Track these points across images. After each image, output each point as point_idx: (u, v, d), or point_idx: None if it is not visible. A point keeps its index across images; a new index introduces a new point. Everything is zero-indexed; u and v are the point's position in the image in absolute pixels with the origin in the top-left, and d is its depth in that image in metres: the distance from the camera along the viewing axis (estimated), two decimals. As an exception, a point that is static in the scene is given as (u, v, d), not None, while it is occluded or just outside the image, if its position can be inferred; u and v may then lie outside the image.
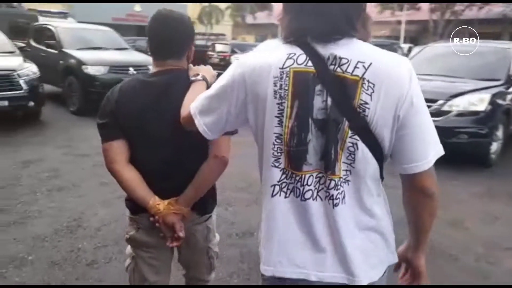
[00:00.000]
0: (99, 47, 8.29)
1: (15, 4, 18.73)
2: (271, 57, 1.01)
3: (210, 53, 16.04)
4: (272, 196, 1.05)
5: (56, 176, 4.38)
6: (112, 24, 26.61)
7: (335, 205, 1.00)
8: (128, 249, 1.69)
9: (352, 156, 0.98)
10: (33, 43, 8.90)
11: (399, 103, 0.95)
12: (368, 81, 0.94)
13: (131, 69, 7.66)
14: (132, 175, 1.47)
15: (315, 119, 0.98)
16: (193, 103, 1.15)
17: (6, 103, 6.09)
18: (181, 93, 1.34)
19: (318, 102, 0.97)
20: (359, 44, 1.00)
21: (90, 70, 7.34)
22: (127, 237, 1.63)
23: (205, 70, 1.56)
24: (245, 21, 36.70)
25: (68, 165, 4.77)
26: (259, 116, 1.04)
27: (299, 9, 1.00)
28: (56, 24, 8.50)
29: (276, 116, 1.00)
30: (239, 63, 1.06)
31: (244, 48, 15.98)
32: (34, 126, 6.68)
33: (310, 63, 0.97)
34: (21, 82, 6.30)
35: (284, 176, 1.04)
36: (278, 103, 0.99)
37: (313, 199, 1.02)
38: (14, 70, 6.26)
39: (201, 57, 16.28)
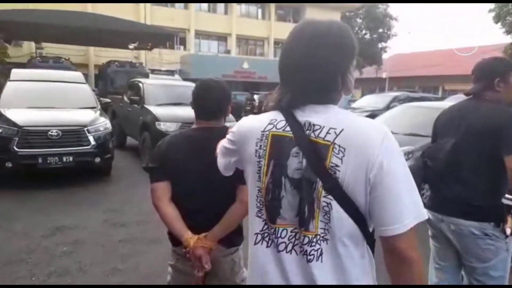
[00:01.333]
0: (179, 103, 7.98)
1: (137, 64, 20.83)
2: (257, 122, 1.15)
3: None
4: (255, 244, 1.13)
5: (71, 253, 3.71)
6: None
7: (308, 260, 1.04)
8: (169, 269, 1.93)
9: (328, 215, 1.02)
10: (125, 99, 9.11)
11: (368, 166, 0.97)
12: (339, 146, 1.00)
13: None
14: (171, 212, 1.74)
15: (291, 178, 1.06)
16: (219, 144, 1.37)
17: (71, 158, 5.90)
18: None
19: (294, 163, 1.05)
20: (335, 111, 1.06)
21: (163, 126, 6.98)
22: (170, 264, 1.93)
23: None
24: (351, 76, 35.58)
25: (95, 237, 4.12)
26: (247, 171, 1.18)
27: (284, 79, 1.11)
28: (144, 80, 8.56)
29: (257, 172, 1.12)
30: (236, 126, 1.22)
31: (342, 105, 14.89)
32: (99, 182, 6.42)
33: (288, 129, 1.07)
34: (90, 138, 6.12)
35: (266, 226, 1.11)
36: (257, 161, 1.11)
37: (287, 252, 1.07)
38: (84, 126, 6.13)
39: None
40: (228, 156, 1.27)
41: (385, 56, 39.76)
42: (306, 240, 1.04)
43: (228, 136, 1.26)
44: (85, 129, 6.12)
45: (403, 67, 36.52)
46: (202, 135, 1.75)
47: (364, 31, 40.56)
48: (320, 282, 1.03)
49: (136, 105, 8.17)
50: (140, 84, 8.45)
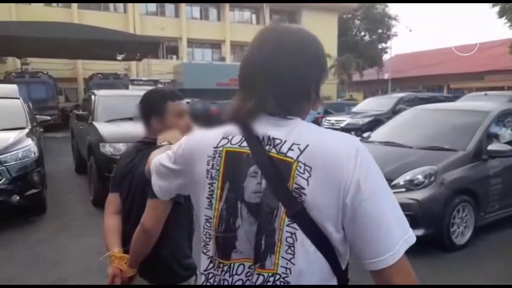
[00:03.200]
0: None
1: (122, 75, 19.35)
2: (209, 136, 0.95)
3: (301, 115, 13.60)
4: (202, 284, 0.95)
5: None
6: (216, 89, 26.76)
7: None
8: None
9: (292, 249, 0.82)
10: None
11: (343, 189, 0.79)
12: (304, 164, 0.81)
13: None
14: (110, 224, 1.59)
15: (248, 202, 0.86)
16: (154, 160, 1.11)
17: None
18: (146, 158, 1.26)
19: (251, 184, 0.86)
20: (298, 124, 0.88)
21: (108, 149, 5.36)
22: None
23: (171, 136, 1.40)
24: (351, 79, 34.00)
25: None
26: (195, 196, 0.98)
27: (244, 88, 0.93)
28: (98, 92, 6.97)
29: (207, 197, 0.92)
30: (184, 141, 1.01)
31: (340, 108, 13.21)
32: (22, 225, 4.79)
33: (245, 144, 0.89)
34: (1, 170, 4.54)
35: (211, 265, 0.92)
36: (209, 183, 0.91)
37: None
38: (-8, 154, 4.53)
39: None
40: (170, 178, 1.03)
41: (386, 57, 38.10)
42: (260, 279, 0.84)
43: (169, 152, 1.05)
44: (-6, 158, 4.53)
45: (405, 67, 34.85)
46: (135, 146, 1.63)
47: (363, 33, 39.00)
48: None
49: (85, 122, 6.58)
50: (92, 97, 6.87)
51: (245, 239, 0.87)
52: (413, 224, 3.87)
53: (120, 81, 17.00)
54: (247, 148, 0.88)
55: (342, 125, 10.74)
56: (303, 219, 0.81)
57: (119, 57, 21.16)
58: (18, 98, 6.05)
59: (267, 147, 0.86)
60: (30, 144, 5.04)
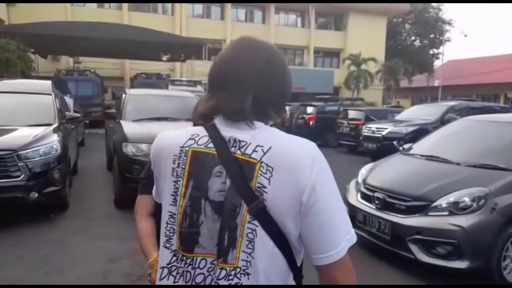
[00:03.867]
0: (167, 118, 6.18)
1: (164, 75, 19.60)
2: (177, 136, 0.99)
3: (340, 120, 12.94)
4: (160, 279, 0.97)
5: None
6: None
7: None
8: None
9: (252, 244, 0.87)
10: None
11: (300, 189, 0.85)
12: (267, 165, 0.87)
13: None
14: (144, 227, 1.50)
15: (211, 200, 0.91)
16: None
17: (-9, 194, 4.26)
18: None
19: (216, 183, 0.90)
20: (262, 129, 0.93)
21: (130, 149, 5.19)
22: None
23: None
24: (398, 85, 32.49)
25: None
26: (161, 193, 1.01)
27: (213, 91, 0.96)
28: (129, 91, 6.87)
29: (172, 195, 0.95)
30: (155, 142, 1.03)
31: (383, 115, 12.44)
32: (36, 223, 4.71)
33: (211, 145, 0.93)
34: (22, 166, 4.46)
35: (174, 258, 0.94)
36: (174, 181, 0.95)
37: (206, 285, 0.91)
38: (13, 151, 4.47)
39: (330, 126, 13.32)
40: (154, 177, 1.05)
41: (437, 63, 36.13)
42: (223, 273, 0.88)
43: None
44: (15, 154, 4.47)
45: (457, 74, 32.79)
46: None
47: (413, 37, 37.27)
48: None
49: (114, 121, 6.49)
50: (123, 95, 6.78)
51: (208, 235, 0.90)
52: (456, 255, 3.32)
53: (162, 81, 17.20)
54: (213, 149, 0.92)
55: (384, 133, 10.02)
56: (263, 216, 0.86)
57: (164, 58, 21.56)
58: (50, 94, 6.05)
59: (232, 149, 0.90)
60: (53, 141, 4.95)
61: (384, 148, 9.97)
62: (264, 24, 29.88)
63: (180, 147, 0.95)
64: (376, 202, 3.86)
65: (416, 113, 10.93)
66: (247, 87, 0.91)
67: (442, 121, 9.92)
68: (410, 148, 4.87)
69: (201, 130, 0.96)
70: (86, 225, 4.73)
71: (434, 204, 3.46)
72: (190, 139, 0.95)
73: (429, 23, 35.18)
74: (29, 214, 4.85)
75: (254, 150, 0.89)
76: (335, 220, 0.87)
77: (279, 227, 0.86)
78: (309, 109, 14.65)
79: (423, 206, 3.51)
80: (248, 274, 0.87)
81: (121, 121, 6.01)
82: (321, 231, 0.86)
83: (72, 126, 6.83)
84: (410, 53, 35.01)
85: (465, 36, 32.57)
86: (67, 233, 4.43)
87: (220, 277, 0.88)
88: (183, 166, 0.93)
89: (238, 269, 0.88)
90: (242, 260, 0.87)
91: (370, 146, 10.42)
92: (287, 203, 0.85)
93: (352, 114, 12.99)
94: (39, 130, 5.09)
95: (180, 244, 0.93)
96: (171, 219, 0.95)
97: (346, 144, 12.72)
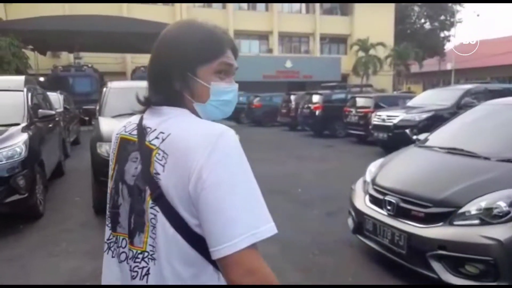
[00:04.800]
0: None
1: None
2: (119, 124, 1.04)
3: (348, 109, 12.16)
4: (104, 251, 1.02)
5: None
6: (263, 82, 25.78)
7: (132, 277, 0.90)
8: None
9: (155, 229, 0.86)
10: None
11: (188, 177, 0.81)
12: (163, 152, 0.86)
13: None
14: None
15: (128, 184, 0.94)
16: None
17: None
18: None
19: (131, 168, 0.93)
20: (175, 115, 0.91)
21: (105, 149, 4.56)
22: None
23: None
24: (409, 70, 31.36)
25: None
26: None
27: None
28: (111, 84, 6.21)
29: (109, 177, 1.01)
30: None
31: (393, 102, 11.62)
32: (7, 238, 4.15)
33: (134, 132, 0.96)
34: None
35: (111, 235, 1.00)
36: (110, 165, 1.01)
37: (127, 263, 0.93)
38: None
39: (337, 115, 12.56)
40: None
41: (448, 46, 34.79)
42: (131, 254, 0.91)
43: None
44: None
45: (470, 57, 31.42)
46: None
47: (423, 20, 35.91)
48: None
49: (94, 117, 5.87)
50: (104, 89, 6.14)
51: (124, 216, 0.94)
52: (491, 275, 2.63)
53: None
54: (136, 136, 0.94)
55: (395, 121, 9.23)
56: (162, 202, 0.85)
57: (165, 50, 20.88)
58: (22, 91, 5.44)
59: (146, 136, 0.91)
60: (17, 143, 4.35)
61: (396, 137, 9.21)
62: (268, 11, 28.96)
63: (116, 134, 1.01)
64: (388, 207, 3.17)
65: (430, 99, 10.09)
66: (148, 75, 0.96)
67: (459, 106, 9.12)
68: (426, 140, 4.14)
69: (136, 118, 0.99)
70: (53, 238, 4.13)
71: (461, 210, 2.77)
72: (123, 126, 1.00)
73: (440, 4, 33.78)
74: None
75: (156, 137, 0.89)
76: (228, 211, 0.79)
77: (179, 214, 0.84)
78: (315, 98, 13.87)
79: (446, 213, 2.82)
80: (154, 259, 0.87)
81: (99, 118, 5.39)
82: (211, 223, 0.80)
83: (50, 125, 6.21)
84: (420, 37, 33.74)
85: (478, 16, 31.06)
86: (28, 249, 3.84)
87: (130, 257, 0.91)
88: (114, 152, 1.00)
89: (146, 254, 0.88)
90: (150, 245, 0.88)
91: (380, 136, 9.64)
92: (178, 190, 0.83)
93: (360, 101, 12.18)
94: (2, 131, 4.49)
95: (109, 223, 1.00)
96: (109, 200, 1.00)
97: (355, 133, 11.94)
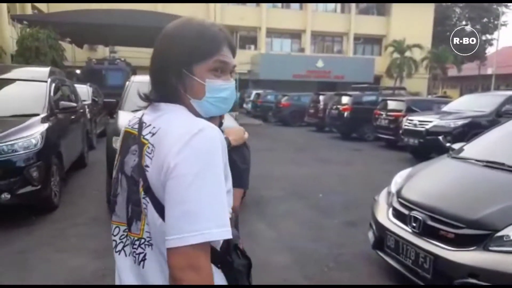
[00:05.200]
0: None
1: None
2: (128, 119, 1.08)
3: (379, 112, 11.63)
4: (111, 233, 1.04)
5: None
6: (293, 81, 25.37)
7: (135, 262, 0.94)
8: None
9: (147, 219, 0.91)
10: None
11: (162, 168, 0.85)
12: (152, 145, 0.90)
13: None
14: None
15: (126, 175, 0.97)
16: None
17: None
18: None
19: (130, 160, 0.96)
20: (169, 111, 0.94)
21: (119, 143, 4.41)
22: None
23: (233, 133, 1.75)
24: (446, 74, 30.02)
25: None
26: None
27: None
28: (134, 78, 6.09)
29: (114, 168, 1.04)
30: None
31: (427, 106, 11.00)
32: (19, 230, 4.11)
33: (136, 126, 0.99)
34: (-13, 164, 3.82)
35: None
36: (116, 157, 1.05)
37: (116, 251, 0.99)
38: (-21, 145, 3.84)
39: (367, 118, 12.06)
40: None
41: (490, 50, 33.04)
42: (129, 241, 0.96)
43: None
44: (-19, 150, 3.84)
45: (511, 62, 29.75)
46: None
47: (464, 22, 34.25)
48: (150, 282, 0.92)
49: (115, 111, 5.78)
50: (127, 83, 6.05)
51: (122, 205, 0.98)
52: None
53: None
54: (137, 130, 0.98)
55: (428, 126, 8.67)
56: (150, 194, 0.88)
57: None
58: (45, 82, 5.42)
59: (143, 130, 0.95)
60: (33, 134, 4.30)
61: (428, 144, 8.69)
62: (302, 10, 28.48)
63: (123, 128, 1.06)
64: (413, 224, 2.82)
65: (467, 104, 9.45)
66: (149, 72, 0.99)
67: (499, 114, 8.48)
68: (461, 150, 3.73)
69: (140, 113, 1.02)
70: (63, 233, 4.04)
71: (499, 234, 2.40)
72: (129, 120, 1.04)
73: (482, 6, 32.09)
74: (13, 215, 4.27)
75: (149, 132, 0.92)
76: (185, 206, 0.80)
77: (162, 203, 0.86)
78: (344, 99, 13.38)
79: (481, 236, 2.45)
80: (151, 245, 0.91)
81: (119, 112, 5.27)
82: (168, 212, 0.82)
83: (73, 117, 6.19)
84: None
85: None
86: (37, 243, 3.75)
87: (126, 244, 0.96)
88: (120, 144, 1.04)
89: (143, 240, 0.92)
90: (146, 231, 0.91)
91: (411, 142, 9.11)
92: (158, 181, 0.86)
93: (391, 104, 11.62)
94: (22, 121, 4.46)
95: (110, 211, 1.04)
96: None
97: (384, 138, 11.41)
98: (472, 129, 8.33)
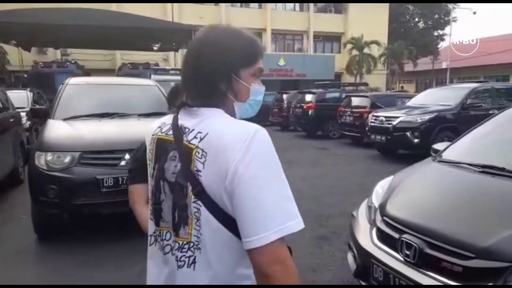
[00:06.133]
0: (111, 114, 4.54)
1: (152, 64, 17.87)
2: (152, 126, 1.11)
3: (343, 109, 11.21)
4: (150, 245, 1.08)
5: None
6: (255, 80, 24.73)
7: (179, 266, 0.97)
8: None
9: (199, 222, 0.93)
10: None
11: (225, 173, 0.87)
12: (202, 150, 0.92)
13: (126, 154, 3.64)
14: (145, 213, 1.43)
15: (168, 181, 0.99)
16: None
17: None
18: None
19: (171, 166, 0.99)
20: (210, 115, 0.97)
21: (43, 161, 3.57)
22: None
23: None
24: (403, 69, 30.52)
25: None
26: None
27: (181, 82, 1.04)
28: (70, 80, 5.17)
29: (150, 176, 1.08)
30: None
31: (390, 102, 10.70)
32: None
33: (170, 132, 1.01)
34: None
35: (155, 228, 1.06)
36: (149, 164, 1.08)
37: (172, 254, 1.00)
38: None
39: (331, 115, 11.61)
40: None
41: (442, 44, 33.97)
42: (177, 245, 0.98)
43: None
44: None
45: (463, 56, 30.66)
46: None
47: (416, 19, 35.03)
48: None
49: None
50: (61, 86, 5.13)
51: (168, 211, 1.00)
52: None
53: (150, 71, 15.52)
54: (172, 136, 1.00)
55: (394, 123, 8.27)
56: (204, 197, 0.91)
57: (155, 47, 19.83)
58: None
59: (183, 136, 0.96)
60: None
61: (396, 140, 8.32)
62: (261, 8, 27.93)
63: (152, 135, 1.07)
64: (407, 252, 2.21)
65: (431, 98, 9.18)
66: (192, 77, 0.97)
67: (464, 107, 8.24)
68: (446, 152, 3.18)
69: (169, 119, 1.05)
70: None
71: (518, 266, 1.82)
72: (158, 127, 1.07)
73: (433, 3, 32.92)
74: None
75: (194, 137, 0.94)
76: (261, 206, 0.85)
77: (220, 207, 0.90)
78: (308, 97, 12.91)
79: (498, 269, 1.87)
80: (199, 248, 0.93)
81: (48, 121, 4.38)
82: (245, 215, 0.86)
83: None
84: (414, 35, 32.88)
85: (474, 13, 29.96)
86: None
87: (175, 248, 0.97)
88: (152, 152, 1.06)
89: (192, 244, 0.94)
90: (194, 236, 0.93)
91: (378, 138, 8.71)
92: (217, 186, 0.88)
93: (356, 101, 11.24)
94: None
95: (153, 218, 1.05)
96: (151, 196, 1.06)
97: (349, 135, 11.01)
98: (439, 123, 8.04)
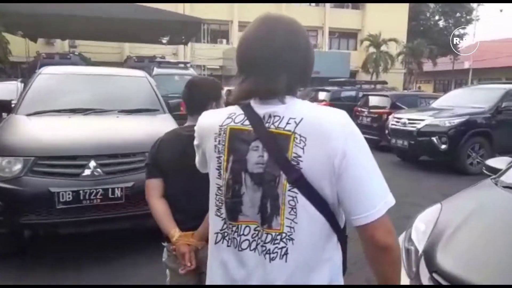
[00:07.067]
0: (86, 110, 3.79)
1: (158, 57, 17.19)
2: (216, 117, 1.06)
3: (359, 108, 10.31)
4: (216, 243, 1.05)
5: None
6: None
7: (272, 259, 0.96)
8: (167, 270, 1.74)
9: (294, 210, 0.94)
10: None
11: (331, 156, 0.90)
12: (300, 135, 0.93)
13: (92, 162, 2.87)
14: (160, 208, 1.64)
15: (251, 173, 0.97)
16: None
17: None
18: None
19: (253, 157, 0.97)
20: (294, 102, 0.98)
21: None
22: (163, 261, 1.74)
23: None
24: (421, 68, 29.28)
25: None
26: (208, 168, 1.09)
27: (244, 71, 1.00)
28: (43, 70, 4.44)
29: (217, 169, 1.03)
30: (198, 122, 1.13)
31: (412, 102, 9.74)
32: None
33: (247, 122, 0.99)
34: None
35: (225, 226, 1.03)
36: (217, 157, 1.03)
37: (251, 250, 0.99)
38: None
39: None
40: (198, 152, 1.18)
41: (462, 44, 32.51)
42: (269, 238, 0.96)
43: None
44: None
45: (487, 56, 29.28)
46: (189, 133, 1.47)
47: (437, 17, 33.63)
48: (282, 282, 0.95)
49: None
50: (33, 75, 4.40)
51: (249, 204, 0.98)
52: None
53: (155, 64, 14.86)
54: (249, 126, 0.98)
55: (419, 126, 7.32)
56: (302, 184, 0.91)
57: (164, 40, 19.17)
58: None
59: (267, 124, 0.96)
60: None
61: (420, 145, 7.39)
62: (274, 2, 27.01)
63: (219, 126, 1.02)
64: None
65: (459, 99, 8.22)
66: (278, 66, 0.95)
67: (499, 110, 7.28)
68: (508, 171, 2.32)
69: (236, 109, 1.03)
70: None
71: None
72: (227, 118, 1.02)
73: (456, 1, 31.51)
74: None
75: (287, 123, 0.94)
76: (368, 183, 0.91)
77: (318, 192, 0.92)
78: (322, 95, 12.04)
79: None
80: (292, 239, 0.93)
81: (9, 116, 3.66)
82: (356, 194, 0.90)
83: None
84: (434, 34, 31.54)
85: (501, 11, 28.50)
86: None
87: (266, 241, 0.95)
88: (223, 143, 1.01)
89: (284, 234, 0.94)
90: (287, 226, 0.93)
91: (399, 143, 7.79)
92: (321, 170, 0.90)
93: (374, 100, 10.31)
94: None
95: (227, 213, 1.02)
96: (219, 191, 1.03)
97: (366, 138, 10.06)
98: (470, 128, 7.10)
